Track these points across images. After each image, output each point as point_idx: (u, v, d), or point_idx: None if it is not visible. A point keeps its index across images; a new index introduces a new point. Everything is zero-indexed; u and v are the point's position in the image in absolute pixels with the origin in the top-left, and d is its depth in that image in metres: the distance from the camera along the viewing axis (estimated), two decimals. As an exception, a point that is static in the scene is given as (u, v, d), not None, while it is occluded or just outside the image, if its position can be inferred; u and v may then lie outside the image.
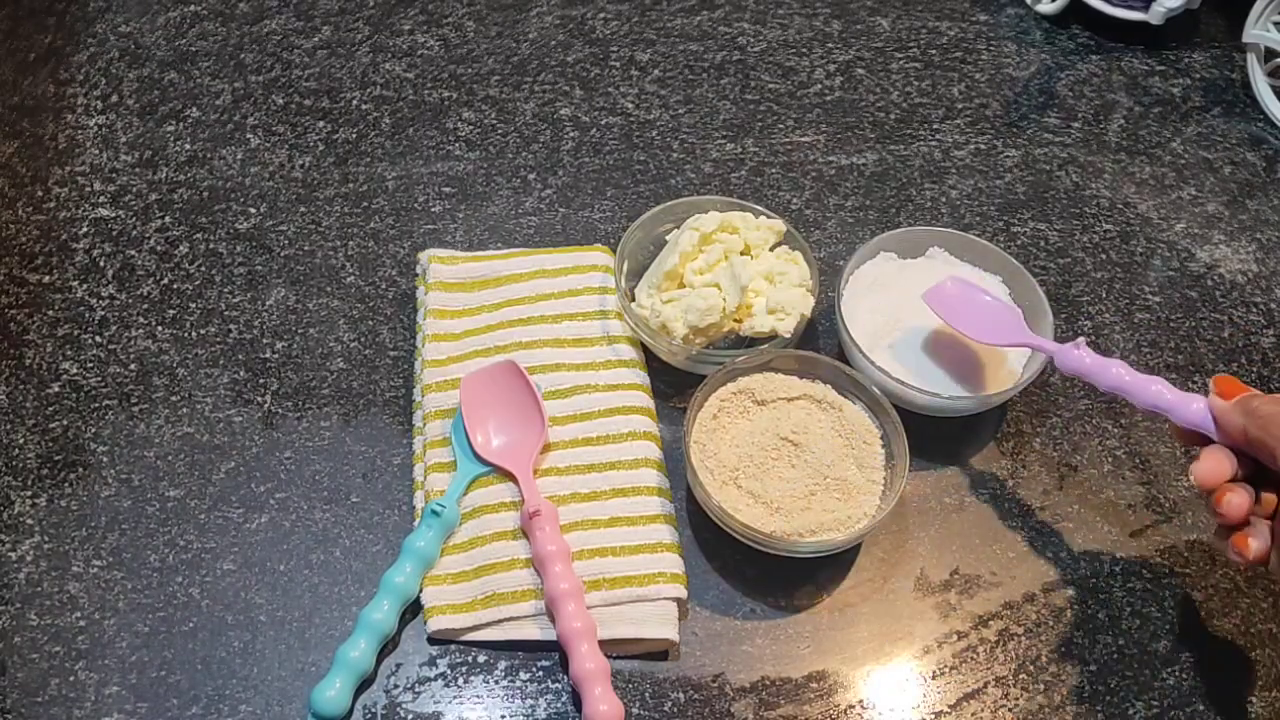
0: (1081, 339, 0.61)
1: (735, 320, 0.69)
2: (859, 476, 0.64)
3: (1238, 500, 0.52)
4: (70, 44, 0.87)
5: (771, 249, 0.73)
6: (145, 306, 0.73)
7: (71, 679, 0.58)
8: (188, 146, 0.82)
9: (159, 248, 0.76)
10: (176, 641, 0.60)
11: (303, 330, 0.73)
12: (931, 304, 0.67)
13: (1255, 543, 0.52)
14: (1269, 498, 0.53)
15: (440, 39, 0.90)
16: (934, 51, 0.93)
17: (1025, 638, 0.62)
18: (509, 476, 0.64)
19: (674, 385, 0.71)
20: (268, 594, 0.62)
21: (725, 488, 0.63)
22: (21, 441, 0.66)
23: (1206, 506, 0.57)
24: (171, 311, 0.73)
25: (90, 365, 0.70)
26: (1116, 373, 0.59)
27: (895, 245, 0.74)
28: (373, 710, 0.58)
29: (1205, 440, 0.55)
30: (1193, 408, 0.56)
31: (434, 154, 0.83)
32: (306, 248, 0.77)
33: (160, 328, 0.72)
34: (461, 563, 0.62)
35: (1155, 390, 0.57)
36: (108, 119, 0.83)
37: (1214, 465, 0.53)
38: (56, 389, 0.69)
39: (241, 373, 0.70)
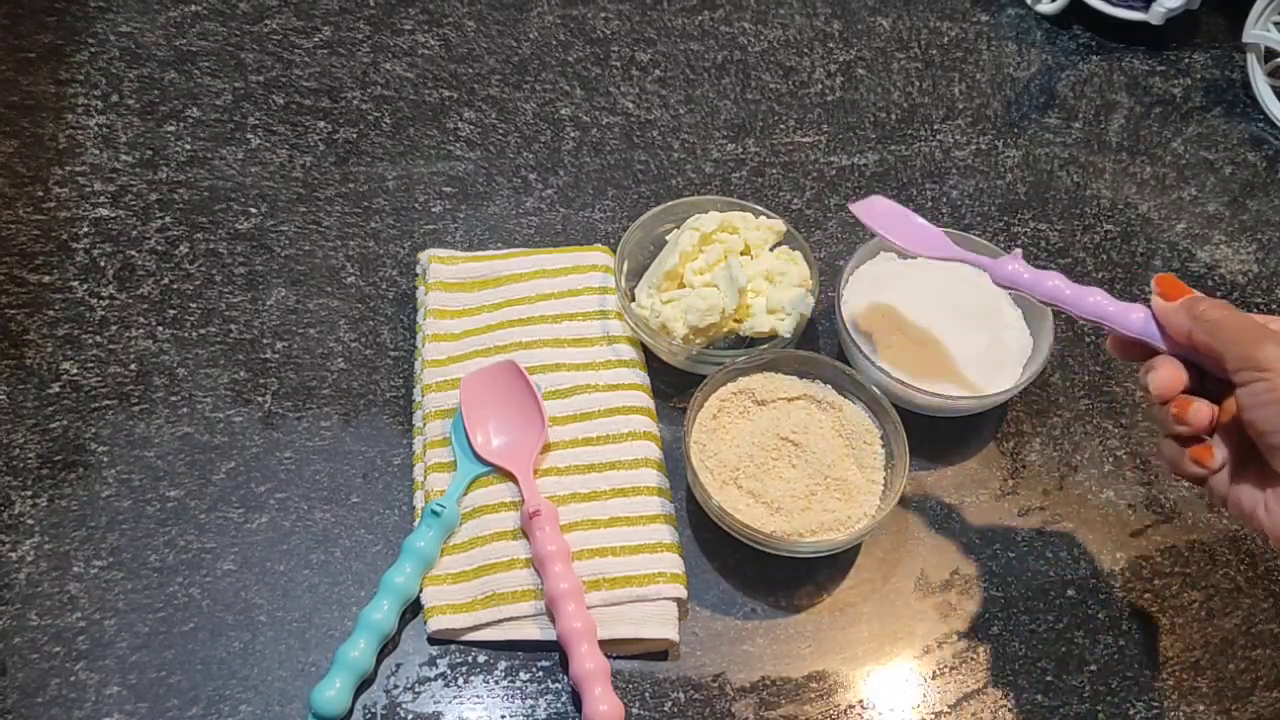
0: (1017, 249, 0.59)
1: (735, 320, 0.69)
2: (859, 476, 0.64)
3: (1205, 409, 0.50)
4: (70, 43, 0.87)
5: (771, 249, 0.73)
6: (145, 306, 0.73)
7: (71, 679, 0.58)
8: (188, 146, 0.82)
9: (159, 247, 0.76)
10: (176, 642, 0.60)
11: (303, 330, 0.73)
12: (860, 214, 0.64)
13: (1219, 452, 0.49)
14: (1227, 405, 0.50)
15: (441, 38, 0.90)
16: (935, 51, 0.93)
17: (1025, 638, 0.62)
18: (509, 476, 0.64)
19: (674, 385, 0.71)
20: (267, 594, 0.61)
21: (725, 488, 0.63)
22: (21, 441, 0.66)
23: (1160, 420, 0.56)
24: (171, 311, 0.73)
25: (90, 365, 0.70)
26: (1054, 284, 0.56)
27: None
28: (373, 710, 0.58)
29: (1147, 352, 0.53)
30: (1134, 316, 0.53)
31: (434, 154, 0.83)
32: (306, 248, 0.77)
33: (160, 328, 0.72)
34: (461, 563, 0.62)
35: (1094, 301, 0.54)
36: (108, 118, 0.83)
37: (1171, 373, 0.51)
38: (56, 389, 0.69)
39: (241, 373, 0.70)
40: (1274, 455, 0.47)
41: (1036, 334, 0.70)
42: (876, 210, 0.64)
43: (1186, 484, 0.69)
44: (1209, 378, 0.51)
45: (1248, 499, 0.49)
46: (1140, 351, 0.54)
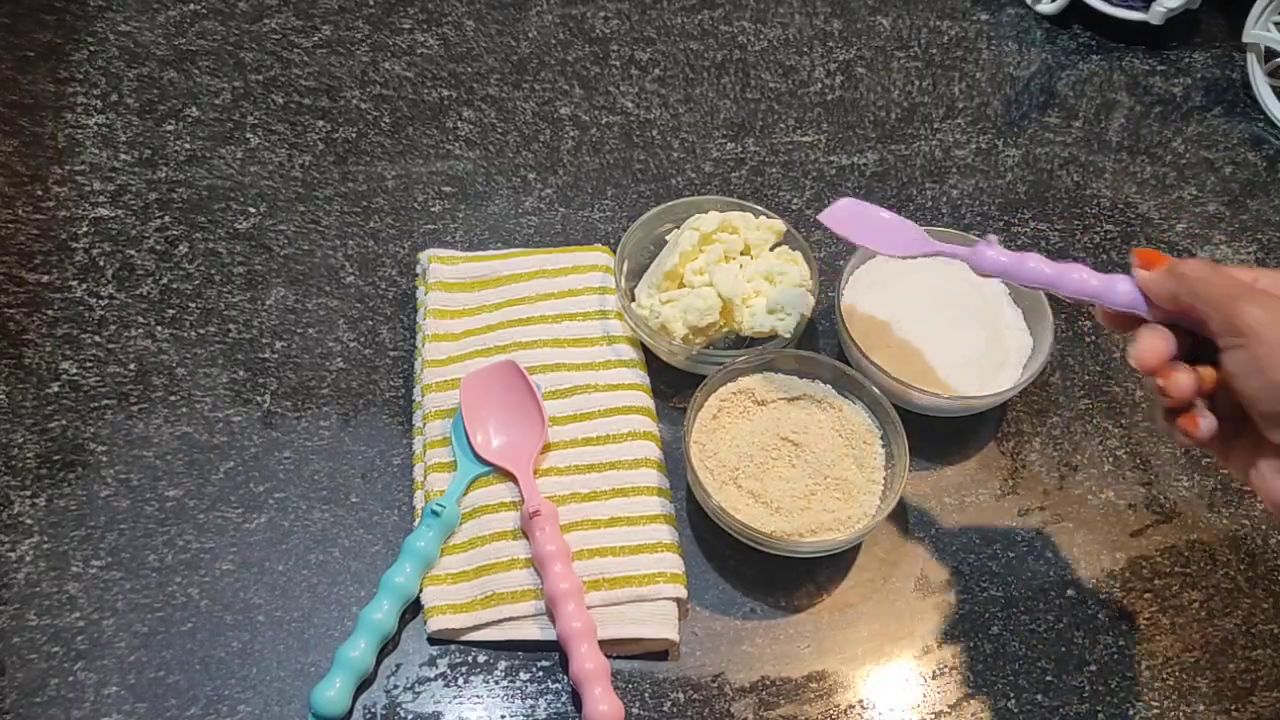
0: (992, 235, 0.57)
1: (735, 321, 0.69)
2: (859, 476, 0.64)
3: (1186, 379, 0.48)
4: (69, 42, 0.87)
5: (771, 249, 0.72)
6: (144, 306, 0.73)
7: (70, 679, 0.58)
8: (187, 145, 0.81)
9: (158, 247, 0.76)
10: (175, 642, 0.60)
11: (302, 330, 0.72)
12: (831, 224, 0.62)
13: (1204, 422, 0.48)
14: (1207, 372, 0.49)
15: (440, 38, 0.90)
16: (935, 51, 0.93)
17: (1025, 637, 0.62)
18: (509, 476, 0.64)
19: (674, 385, 0.71)
20: (267, 594, 0.61)
21: (725, 488, 0.63)
22: (20, 441, 0.66)
23: (1148, 390, 0.55)
24: (171, 311, 0.73)
25: (89, 365, 0.70)
26: (1035, 266, 0.55)
27: (895, 245, 0.74)
28: (373, 710, 0.58)
29: (1135, 324, 0.52)
30: (1120, 289, 0.52)
31: (434, 153, 0.83)
32: (306, 247, 0.77)
33: (159, 327, 0.72)
34: (461, 563, 0.62)
35: (1078, 278, 0.53)
36: (107, 118, 0.83)
37: (1153, 344, 0.49)
38: (55, 388, 0.68)
39: (241, 372, 0.70)
40: (1263, 422, 0.46)
41: (1036, 334, 0.70)
42: (842, 215, 0.62)
43: (1186, 484, 0.69)
44: (1207, 341, 0.50)
45: (1243, 461, 0.48)
46: (1130, 323, 0.52)
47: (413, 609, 0.61)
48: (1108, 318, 0.54)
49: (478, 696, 0.59)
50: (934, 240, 0.61)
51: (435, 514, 0.61)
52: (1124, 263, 0.80)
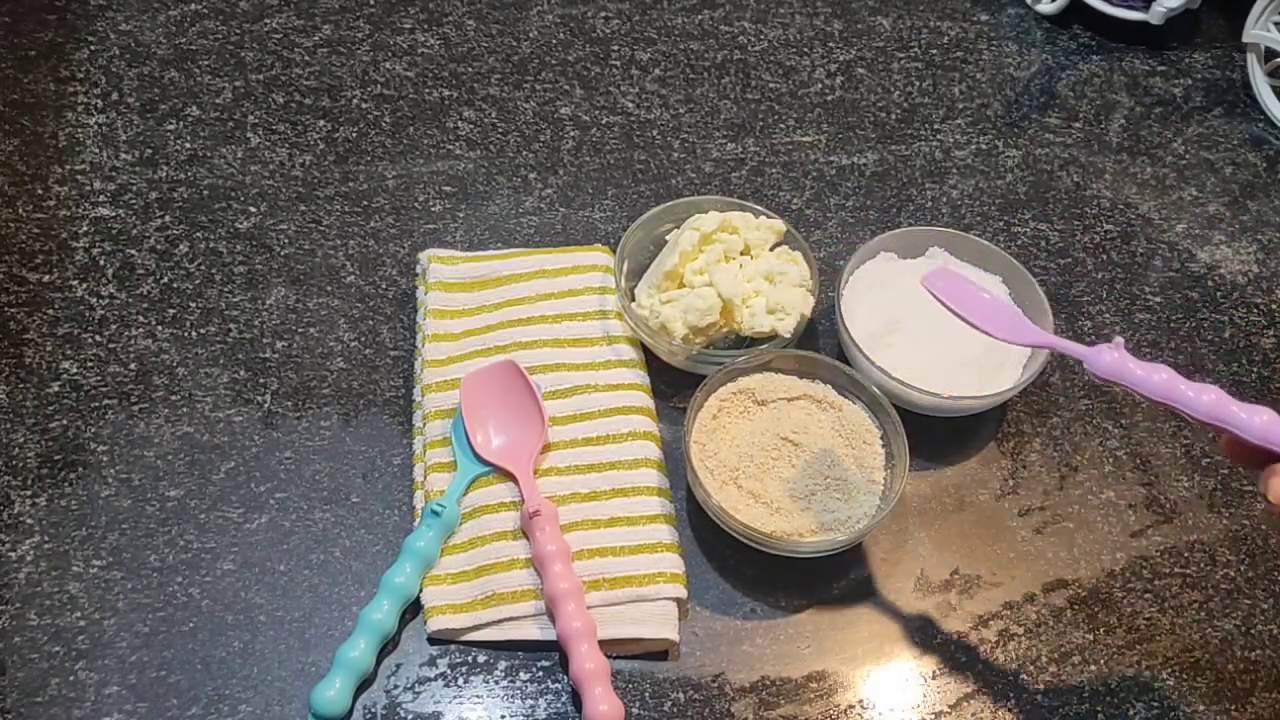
0: (1119, 338, 0.53)
1: (735, 321, 0.69)
2: (859, 476, 0.64)
3: None
4: (71, 41, 0.87)
5: (771, 249, 0.73)
6: (145, 305, 0.73)
7: (71, 679, 0.58)
8: (188, 145, 0.82)
9: (159, 247, 0.76)
10: (176, 641, 0.60)
11: (303, 330, 0.73)
12: (934, 291, 0.58)
13: None
14: None
15: (441, 37, 0.90)
16: (935, 51, 0.93)
17: (1025, 638, 0.62)
18: (509, 476, 0.64)
19: (674, 385, 0.71)
20: (267, 594, 0.61)
21: (725, 488, 0.63)
22: (21, 441, 0.66)
23: (1272, 524, 0.55)
24: (171, 311, 0.73)
25: (90, 364, 0.70)
26: (1163, 379, 0.50)
27: (895, 245, 0.74)
28: (373, 710, 0.58)
29: (1268, 457, 0.48)
30: (1259, 420, 0.48)
31: (434, 153, 0.83)
32: (306, 247, 0.77)
33: (160, 327, 0.72)
34: (461, 563, 0.62)
35: (1210, 399, 0.49)
36: (108, 117, 0.83)
37: None
38: (56, 388, 0.68)
39: (241, 372, 0.70)
40: None
41: (1037, 334, 0.70)
42: (941, 284, 0.58)
43: (1186, 484, 0.69)
44: None
45: None
46: (1261, 457, 0.49)
47: (413, 609, 0.61)
48: (1234, 447, 0.50)
49: (478, 696, 0.59)
50: (1042, 331, 0.57)
51: (435, 514, 0.61)
52: (1124, 262, 0.80)
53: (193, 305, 0.73)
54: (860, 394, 0.67)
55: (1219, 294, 0.78)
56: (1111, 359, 0.51)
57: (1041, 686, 0.61)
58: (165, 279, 0.74)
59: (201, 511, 0.64)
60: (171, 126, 0.83)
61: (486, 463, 0.65)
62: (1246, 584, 0.65)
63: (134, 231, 0.76)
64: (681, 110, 0.87)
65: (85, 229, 0.76)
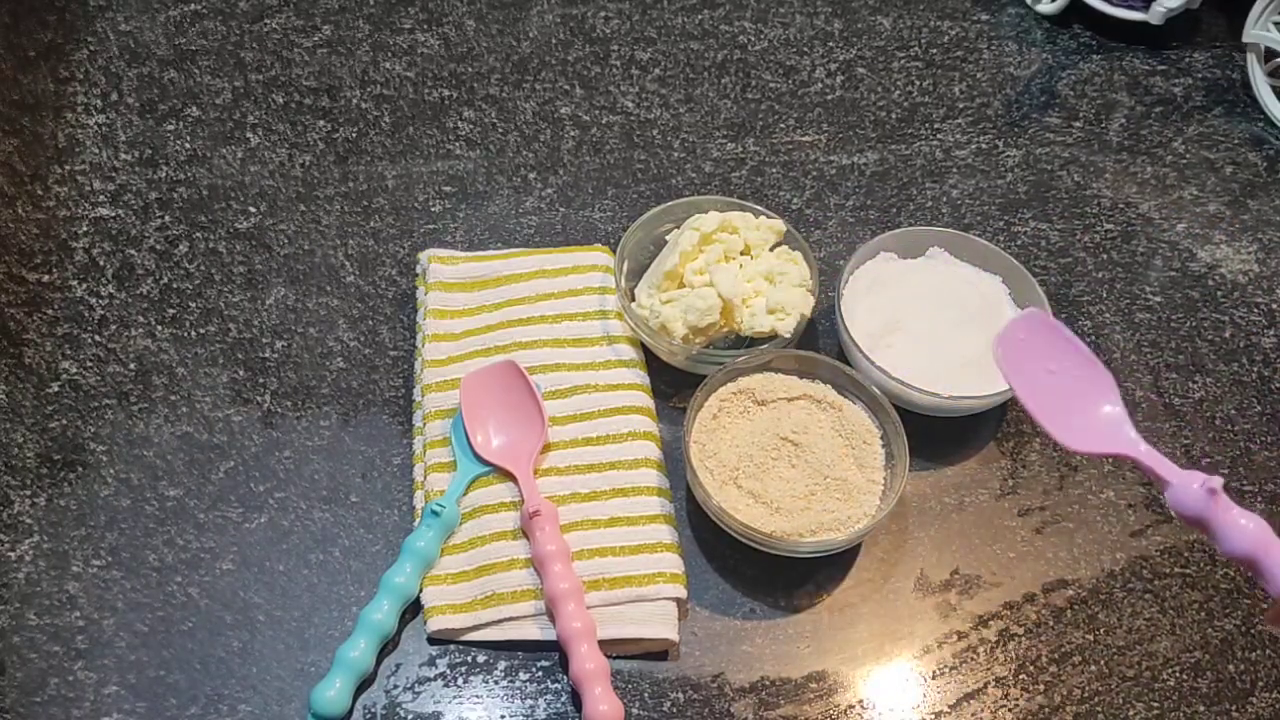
0: (1218, 479, 0.47)
1: (735, 321, 0.69)
2: (859, 476, 0.64)
3: None
4: (70, 41, 0.87)
5: (771, 249, 0.72)
6: (145, 305, 0.73)
7: (70, 678, 0.58)
8: (187, 145, 0.81)
9: (158, 247, 0.76)
10: (175, 641, 0.60)
11: (302, 329, 0.72)
12: (1003, 360, 0.54)
13: None
14: None
15: (441, 37, 0.90)
16: (935, 51, 0.93)
17: (1025, 638, 0.62)
18: (509, 476, 0.64)
19: (674, 385, 0.71)
20: (266, 594, 0.61)
21: (725, 488, 0.63)
22: (21, 440, 0.66)
23: None
24: (171, 310, 0.73)
25: (89, 364, 0.70)
26: (1247, 529, 0.46)
27: (895, 245, 0.74)
28: (373, 710, 0.58)
29: None
30: None
31: (434, 153, 0.83)
32: (306, 247, 0.77)
33: (160, 327, 0.72)
34: (461, 563, 0.62)
35: None
36: (108, 117, 0.83)
37: None
38: (56, 388, 0.68)
39: (241, 372, 0.70)
40: None
41: (1037, 334, 0.70)
42: (1024, 337, 0.54)
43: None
44: None
45: None
46: None
47: (413, 609, 0.61)
48: None
49: (478, 696, 0.59)
50: (1140, 442, 0.52)
51: (435, 514, 0.61)
52: (1124, 262, 0.80)
53: (192, 305, 0.73)
54: (860, 394, 0.67)
55: (1219, 293, 0.78)
56: (1192, 497, 0.47)
57: (1041, 686, 0.61)
58: (165, 279, 0.74)
59: (201, 511, 0.64)
60: (171, 126, 0.83)
61: (486, 463, 0.65)
62: (1246, 584, 0.65)
63: (133, 231, 0.76)
64: (681, 110, 0.87)
65: (85, 229, 0.76)
